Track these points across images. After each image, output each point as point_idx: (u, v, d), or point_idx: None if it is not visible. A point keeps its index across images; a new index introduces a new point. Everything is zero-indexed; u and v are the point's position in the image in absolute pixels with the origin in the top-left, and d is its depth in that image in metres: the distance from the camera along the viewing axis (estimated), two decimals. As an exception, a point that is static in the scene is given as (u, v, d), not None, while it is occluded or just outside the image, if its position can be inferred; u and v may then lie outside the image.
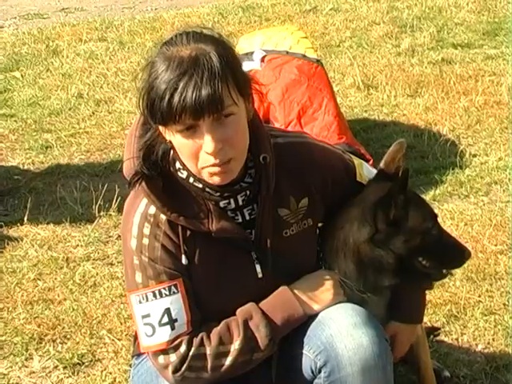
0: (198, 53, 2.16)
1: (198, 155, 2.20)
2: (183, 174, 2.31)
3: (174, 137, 2.22)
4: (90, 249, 4.14)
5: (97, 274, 3.92)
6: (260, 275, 2.37)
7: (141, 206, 2.31)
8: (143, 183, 2.28)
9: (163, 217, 2.30)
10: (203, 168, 2.23)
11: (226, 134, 2.18)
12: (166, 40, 2.23)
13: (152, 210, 2.30)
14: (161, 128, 2.25)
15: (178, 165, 2.31)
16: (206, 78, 2.13)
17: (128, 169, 2.32)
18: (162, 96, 2.15)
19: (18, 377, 3.31)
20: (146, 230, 2.30)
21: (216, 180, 2.25)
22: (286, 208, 2.39)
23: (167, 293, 2.30)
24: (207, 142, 2.17)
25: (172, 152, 2.30)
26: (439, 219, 2.56)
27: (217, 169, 2.21)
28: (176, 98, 2.13)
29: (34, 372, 3.33)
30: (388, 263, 2.43)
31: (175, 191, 2.30)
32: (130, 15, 8.42)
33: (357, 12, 7.77)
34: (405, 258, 2.43)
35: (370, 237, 2.43)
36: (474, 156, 4.88)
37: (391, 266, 2.44)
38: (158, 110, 2.17)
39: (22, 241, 4.24)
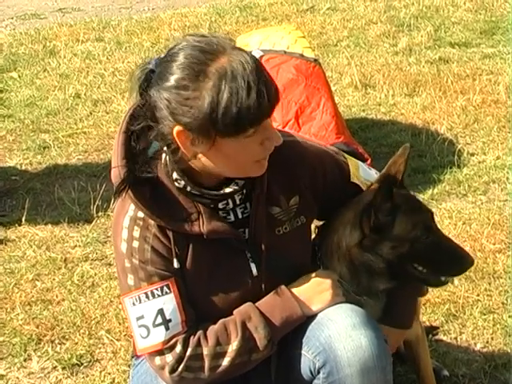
0: (242, 62, 2.14)
1: (257, 153, 2.22)
2: (180, 184, 2.29)
3: (237, 144, 2.18)
4: (88, 249, 4.14)
5: (95, 274, 3.91)
6: (255, 274, 2.37)
7: (130, 210, 2.31)
8: (129, 192, 2.27)
9: None
10: (258, 161, 2.24)
11: None
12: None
13: (141, 213, 2.30)
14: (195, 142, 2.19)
15: (175, 175, 2.29)
16: (263, 86, 2.14)
17: (115, 176, 2.31)
18: (230, 107, 2.11)
19: (17, 378, 3.31)
20: (136, 233, 2.30)
21: (262, 170, 2.27)
22: (276, 206, 2.39)
23: (159, 293, 2.29)
24: (274, 135, 2.22)
25: (168, 163, 2.28)
26: (437, 218, 2.54)
27: (265, 160, 2.27)
28: (254, 107, 2.12)
29: (32, 373, 3.33)
30: (379, 268, 2.43)
31: (163, 196, 2.29)
32: (127, 15, 8.41)
33: (354, 11, 7.77)
34: (396, 264, 2.42)
35: (360, 241, 2.43)
36: (472, 155, 4.88)
37: (383, 271, 2.43)
38: (225, 121, 2.12)
39: (20, 241, 4.24)
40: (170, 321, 2.29)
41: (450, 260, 2.45)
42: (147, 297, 2.29)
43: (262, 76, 2.15)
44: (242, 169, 2.26)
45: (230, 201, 2.33)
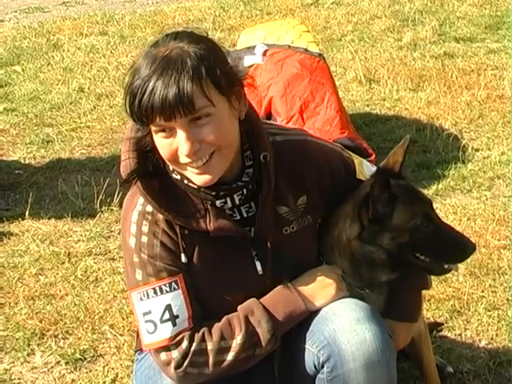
0: (173, 52, 2.14)
1: (176, 155, 2.18)
2: (177, 176, 2.29)
3: (155, 137, 2.21)
4: (91, 244, 4.14)
5: (98, 269, 3.91)
6: (260, 272, 2.37)
7: (138, 204, 2.31)
8: (138, 183, 2.27)
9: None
10: (186, 165, 2.20)
11: (201, 135, 2.16)
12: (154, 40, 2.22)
13: (150, 207, 2.29)
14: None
15: (171, 167, 2.29)
16: (175, 77, 2.10)
17: (124, 167, 2.31)
18: (135, 95, 2.14)
19: (20, 372, 3.31)
20: (145, 228, 2.30)
21: (200, 180, 2.22)
22: (284, 205, 2.38)
23: (168, 289, 2.29)
24: (182, 144, 2.15)
25: None
26: (441, 214, 2.53)
27: (196, 170, 2.20)
28: (145, 97, 2.11)
29: (35, 367, 3.32)
30: (380, 259, 2.42)
31: (172, 191, 2.29)
32: (130, 9, 8.40)
33: (358, 6, 7.75)
34: (397, 254, 2.41)
35: (359, 233, 2.42)
36: (477, 150, 4.87)
37: (384, 262, 2.43)
38: (132, 110, 2.16)
39: (23, 236, 4.24)
40: (177, 317, 2.29)
41: (452, 247, 2.45)
42: (155, 292, 2.29)
43: (170, 77, 2.10)
44: (181, 171, 2.24)
45: (228, 199, 2.32)
